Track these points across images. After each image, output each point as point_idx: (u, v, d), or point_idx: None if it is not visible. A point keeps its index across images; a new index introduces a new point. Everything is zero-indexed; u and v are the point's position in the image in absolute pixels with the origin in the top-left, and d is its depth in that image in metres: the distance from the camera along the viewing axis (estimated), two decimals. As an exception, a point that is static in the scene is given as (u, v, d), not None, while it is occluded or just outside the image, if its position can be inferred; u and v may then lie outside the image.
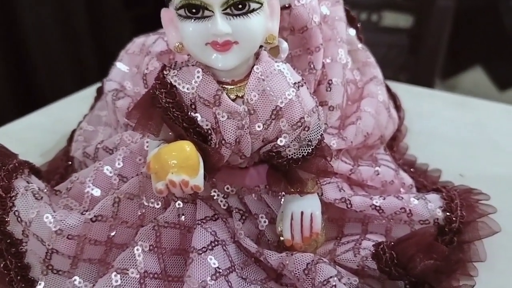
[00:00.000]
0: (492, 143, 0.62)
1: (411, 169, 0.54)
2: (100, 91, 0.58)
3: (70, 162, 0.53)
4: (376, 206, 0.42)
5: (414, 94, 0.74)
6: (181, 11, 0.35)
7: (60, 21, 1.82)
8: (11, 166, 0.41)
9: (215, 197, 0.42)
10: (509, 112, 0.70)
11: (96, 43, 2.00)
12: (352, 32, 0.53)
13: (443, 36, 1.89)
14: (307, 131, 0.39)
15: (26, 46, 1.75)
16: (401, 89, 0.66)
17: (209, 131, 0.37)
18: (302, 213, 0.40)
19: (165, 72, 0.38)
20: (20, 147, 0.49)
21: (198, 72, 0.37)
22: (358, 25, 0.54)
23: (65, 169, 0.53)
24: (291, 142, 0.39)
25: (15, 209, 0.39)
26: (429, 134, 0.64)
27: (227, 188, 0.43)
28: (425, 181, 0.51)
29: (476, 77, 2.28)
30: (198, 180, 0.35)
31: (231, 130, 0.37)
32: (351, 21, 0.53)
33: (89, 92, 0.77)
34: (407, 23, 2.23)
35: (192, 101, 0.37)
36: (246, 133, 0.38)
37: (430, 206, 0.42)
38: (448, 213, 0.42)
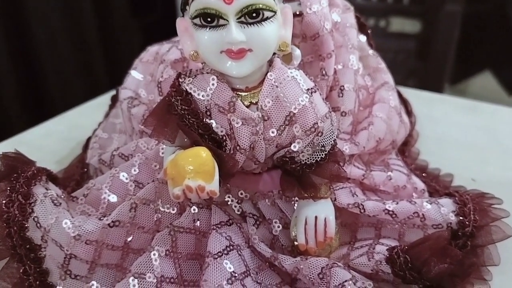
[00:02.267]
0: (503, 148, 0.62)
1: (423, 174, 0.54)
2: (114, 99, 0.59)
3: (85, 169, 0.54)
4: (389, 210, 0.43)
5: (424, 99, 0.75)
6: (197, 20, 0.36)
7: (70, 30, 1.84)
8: (29, 173, 0.42)
9: (229, 203, 0.43)
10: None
11: (106, 51, 2.03)
12: (363, 38, 0.54)
13: (452, 41, 1.89)
14: (320, 136, 0.39)
15: (37, 55, 1.77)
16: (411, 94, 0.66)
17: (224, 137, 0.38)
18: (316, 217, 0.41)
19: (180, 80, 0.39)
20: (36, 154, 0.50)
21: (213, 79, 0.38)
22: (369, 31, 0.55)
23: (80, 175, 0.54)
24: (305, 148, 0.39)
25: (34, 215, 0.40)
26: (440, 139, 0.64)
27: (241, 194, 0.43)
28: (437, 186, 0.52)
29: (486, 82, 2.27)
30: (213, 186, 0.35)
31: (246, 136, 0.38)
32: (361, 28, 0.54)
33: (102, 100, 0.78)
34: (414, 29, 2.23)
35: (207, 107, 0.38)
36: (260, 139, 0.38)
37: (443, 211, 0.43)
38: (461, 217, 0.42)
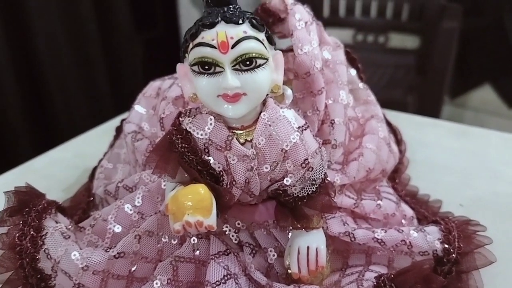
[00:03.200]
0: (492, 172, 0.65)
1: (413, 200, 0.56)
2: (118, 130, 0.62)
3: (91, 198, 0.57)
4: (378, 239, 0.45)
5: (417, 124, 0.77)
6: (195, 67, 0.39)
7: (74, 46, 1.88)
8: (40, 207, 0.45)
9: (227, 232, 0.46)
10: (509, 140, 0.73)
11: (109, 66, 2.06)
12: (353, 72, 0.57)
13: (450, 56, 1.92)
14: (311, 171, 0.42)
15: (42, 71, 1.80)
16: (404, 119, 0.69)
17: (221, 173, 0.41)
18: (308, 247, 0.43)
19: (180, 119, 0.42)
20: (44, 182, 0.53)
21: (211, 119, 0.41)
22: (359, 65, 0.57)
23: (87, 204, 0.56)
24: (297, 182, 0.42)
25: (45, 247, 0.43)
26: (431, 163, 0.66)
27: (238, 224, 0.46)
28: (426, 212, 0.54)
29: (485, 95, 2.29)
30: (211, 220, 0.38)
31: (241, 171, 0.41)
32: (352, 62, 0.57)
33: (106, 127, 0.81)
34: (413, 44, 2.26)
35: (206, 145, 0.41)
36: (255, 174, 0.41)
37: (429, 238, 0.45)
38: (446, 245, 0.45)
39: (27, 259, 0.42)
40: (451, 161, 0.67)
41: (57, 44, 1.80)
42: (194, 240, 0.44)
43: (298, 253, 0.43)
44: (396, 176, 0.59)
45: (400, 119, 0.66)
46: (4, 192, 0.45)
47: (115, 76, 2.05)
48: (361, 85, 0.57)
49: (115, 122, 0.82)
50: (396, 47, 2.35)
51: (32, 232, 0.43)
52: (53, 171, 0.69)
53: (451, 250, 0.44)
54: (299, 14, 0.50)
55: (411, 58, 2.16)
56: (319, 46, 0.50)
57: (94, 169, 0.61)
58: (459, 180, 0.63)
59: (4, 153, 1.73)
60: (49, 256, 0.42)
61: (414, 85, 2.00)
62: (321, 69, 0.49)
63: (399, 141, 0.61)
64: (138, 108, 0.56)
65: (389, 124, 0.59)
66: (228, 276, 0.42)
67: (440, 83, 1.90)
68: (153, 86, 0.58)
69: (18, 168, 0.70)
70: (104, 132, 0.79)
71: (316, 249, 0.43)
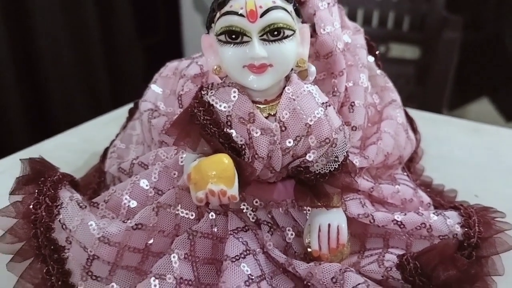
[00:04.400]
0: (505, 167, 0.64)
1: (428, 189, 0.56)
2: (132, 112, 0.61)
3: (102, 178, 0.56)
4: (397, 221, 0.45)
5: (429, 119, 0.77)
6: (222, 37, 0.38)
7: (76, 49, 1.88)
8: (55, 177, 0.44)
9: (244, 210, 0.45)
10: (520, 137, 0.73)
11: (110, 70, 2.06)
12: (371, 59, 0.57)
13: (450, 67, 1.93)
14: (334, 147, 0.41)
15: (43, 72, 1.80)
16: (415, 114, 0.68)
17: (243, 146, 0.40)
18: (329, 225, 0.43)
19: (203, 92, 0.41)
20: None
21: (234, 92, 0.40)
22: (377, 53, 0.57)
23: (97, 184, 0.55)
24: (319, 158, 0.41)
25: (61, 217, 0.42)
26: (444, 157, 0.66)
27: (256, 202, 0.45)
28: (442, 200, 0.54)
29: (483, 108, 2.31)
30: (234, 190, 0.38)
31: (264, 145, 0.40)
32: (370, 49, 0.56)
33: (114, 114, 0.81)
34: (414, 55, 2.28)
35: (228, 118, 0.40)
36: (278, 149, 0.41)
37: (449, 222, 0.45)
38: (466, 229, 0.44)
39: (42, 229, 0.41)
40: (465, 155, 0.67)
41: (58, 46, 1.80)
42: (212, 215, 0.43)
43: (319, 230, 0.43)
44: (410, 166, 0.59)
45: (412, 114, 0.66)
46: (20, 159, 0.44)
47: (116, 80, 2.05)
48: (379, 72, 0.57)
49: (117, 112, 0.81)
50: (397, 57, 2.36)
51: (47, 201, 0.42)
52: (60, 154, 0.68)
53: (472, 234, 0.44)
54: (322, -6, 0.49)
55: (411, 68, 2.18)
56: (340, 28, 0.50)
57: (106, 149, 0.60)
58: (474, 173, 0.62)
59: (4, 146, 1.71)
60: (64, 226, 0.41)
61: (413, 95, 2.01)
62: (342, 50, 0.48)
63: (414, 130, 0.61)
64: (154, 87, 0.55)
65: (405, 113, 0.59)
66: (247, 252, 0.41)
67: (439, 94, 1.91)
68: (169, 66, 0.57)
69: (25, 150, 0.69)
70: (110, 119, 0.78)
71: (337, 227, 0.43)
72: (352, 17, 2.16)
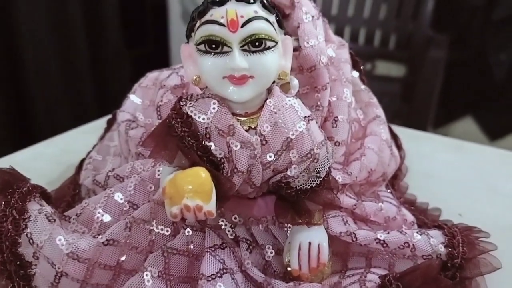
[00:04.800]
0: (489, 185, 0.64)
1: (412, 207, 0.55)
2: (110, 123, 0.60)
3: (77, 191, 0.54)
4: (380, 240, 0.43)
5: (412, 136, 0.77)
6: (201, 46, 0.37)
7: (62, 59, 1.86)
8: (24, 189, 0.42)
9: (222, 227, 0.43)
10: (503, 156, 0.73)
11: (96, 80, 2.04)
12: (356, 74, 0.56)
13: (435, 86, 1.95)
14: (316, 162, 0.40)
15: (27, 81, 1.77)
16: (399, 131, 0.68)
17: (222, 160, 0.39)
18: (309, 243, 0.41)
19: (181, 103, 0.40)
20: (26, 175, 0.49)
21: (214, 103, 0.39)
22: (361, 68, 0.57)
23: (72, 197, 0.53)
24: (301, 173, 0.40)
25: (28, 231, 0.40)
26: (428, 174, 0.65)
27: (235, 218, 0.44)
28: (426, 219, 0.53)
29: (467, 127, 2.33)
30: (211, 206, 0.36)
31: (244, 159, 0.39)
32: (354, 64, 0.56)
33: (93, 126, 0.79)
34: (399, 73, 2.30)
35: (207, 130, 0.39)
36: (258, 163, 0.39)
37: (433, 242, 0.43)
38: (450, 249, 0.43)
39: (7, 243, 0.39)
40: (447, 173, 0.66)
41: (44, 54, 1.78)
42: (188, 232, 0.41)
43: (299, 249, 0.41)
44: (394, 183, 0.58)
45: (396, 130, 0.65)
46: (-13, 170, 0.43)
47: (102, 90, 2.03)
48: (363, 87, 0.56)
49: (100, 122, 0.79)
50: (383, 75, 2.38)
51: (14, 214, 0.40)
52: (36, 165, 0.66)
53: (456, 254, 0.43)
54: (306, 7, 0.49)
55: (396, 86, 2.20)
56: (324, 42, 0.49)
57: (82, 161, 0.58)
58: (458, 192, 0.62)
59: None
60: (31, 241, 0.39)
61: (399, 113, 2.02)
62: (326, 64, 0.48)
63: (399, 147, 0.60)
64: (133, 97, 0.54)
65: (390, 129, 0.58)
66: (224, 271, 0.39)
67: (424, 111, 1.93)
68: (149, 77, 0.56)
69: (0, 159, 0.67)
70: (89, 129, 0.76)
71: (319, 245, 0.41)
72: (339, 34, 2.17)
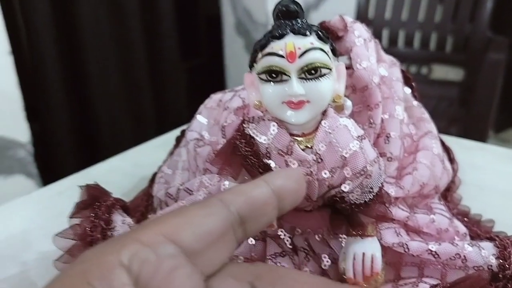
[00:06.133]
0: (545, 197, 0.64)
1: (465, 219, 0.56)
2: (178, 140, 0.65)
3: (150, 202, 0.59)
4: (432, 251, 0.46)
5: (465, 147, 0.77)
6: (263, 76, 0.41)
7: (122, 72, 1.97)
8: (109, 202, 0.48)
9: (281, 236, 0.47)
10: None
11: (155, 92, 2.14)
12: (408, 90, 0.58)
13: (495, 89, 1.89)
14: (369, 179, 0.43)
15: (91, 96, 1.89)
16: (452, 142, 0.69)
17: (281, 177, 0.43)
18: (363, 254, 0.44)
19: (244, 125, 0.44)
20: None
21: (274, 125, 0.43)
22: (413, 84, 0.59)
23: (145, 207, 0.59)
24: (354, 189, 0.43)
25: (114, 239, 0.45)
26: (482, 186, 0.66)
27: (293, 229, 0.47)
28: (479, 230, 0.54)
29: (531, 131, 2.24)
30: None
31: (301, 176, 0.42)
32: (406, 81, 0.58)
33: (160, 140, 0.85)
34: (457, 76, 2.25)
35: (268, 150, 0.43)
36: (314, 179, 0.43)
37: (484, 253, 0.45)
38: (501, 260, 0.45)
39: (97, 250, 0.45)
40: (502, 184, 0.67)
41: (107, 69, 1.90)
42: (251, 241, 0.46)
43: (354, 259, 0.44)
44: (448, 195, 0.59)
45: (448, 142, 0.67)
46: (79, 186, 0.49)
47: (160, 101, 2.12)
48: (415, 103, 0.58)
49: (168, 136, 0.86)
50: (439, 79, 2.34)
51: (102, 225, 0.46)
52: (111, 178, 0.73)
53: (507, 266, 0.44)
54: (358, 31, 0.52)
55: (454, 90, 2.15)
56: (376, 62, 0.52)
57: (154, 174, 0.64)
58: (511, 203, 0.62)
59: (53, 165, 1.80)
60: (117, 248, 0.45)
61: (457, 118, 1.97)
62: (378, 84, 0.51)
63: (451, 160, 0.62)
64: (200, 118, 0.59)
65: (442, 142, 0.60)
66: (285, 277, 0.43)
67: (484, 116, 1.87)
68: (214, 98, 0.61)
69: (78, 173, 0.75)
70: (158, 144, 0.83)
71: (372, 256, 0.44)
72: (394, 39, 2.16)
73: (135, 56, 1.98)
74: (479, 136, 1.80)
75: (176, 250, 0.25)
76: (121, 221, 0.47)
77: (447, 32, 2.08)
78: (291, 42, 0.40)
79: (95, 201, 0.48)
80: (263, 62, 0.41)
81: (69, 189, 0.51)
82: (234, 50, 2.36)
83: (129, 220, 0.47)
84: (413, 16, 2.12)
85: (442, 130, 0.63)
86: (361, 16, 2.15)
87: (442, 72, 2.30)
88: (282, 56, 0.40)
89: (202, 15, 2.52)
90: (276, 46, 0.41)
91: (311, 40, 0.41)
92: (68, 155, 1.83)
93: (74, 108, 1.81)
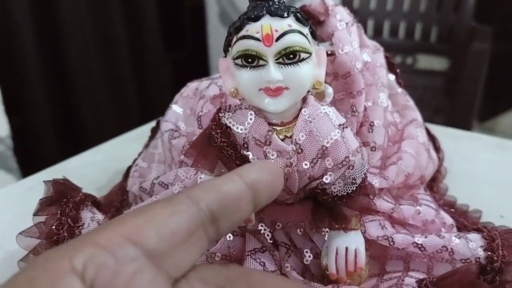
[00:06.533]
0: (533, 186, 0.62)
1: (452, 210, 0.55)
2: (154, 131, 0.63)
3: (125, 196, 0.57)
4: (418, 244, 0.44)
5: (452, 136, 0.76)
6: (238, 61, 0.39)
7: (106, 64, 1.93)
8: (77, 198, 0.45)
9: (262, 231, 0.45)
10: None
11: (139, 84, 2.11)
12: (392, 77, 0.56)
13: (479, 79, 1.89)
14: (351, 169, 0.41)
15: (73, 87, 1.86)
16: (438, 131, 0.67)
17: (260, 169, 0.40)
18: (346, 248, 0.42)
19: (220, 114, 0.42)
20: (76, 183, 0.53)
21: (251, 114, 0.40)
22: (398, 71, 0.57)
23: (120, 202, 0.56)
24: (336, 180, 0.41)
25: (82, 237, 0.43)
26: (469, 175, 0.65)
27: (273, 223, 0.45)
28: (466, 221, 0.52)
29: (515, 120, 2.25)
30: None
31: (280, 167, 0.40)
32: (390, 67, 0.56)
33: (137, 133, 0.82)
34: (442, 66, 2.24)
35: (245, 140, 0.40)
36: (294, 171, 0.41)
37: (471, 245, 0.44)
38: (489, 253, 0.43)
39: (64, 249, 0.42)
40: (489, 173, 0.65)
41: (89, 62, 1.86)
42: (229, 237, 0.43)
43: (336, 253, 0.42)
44: (433, 185, 0.58)
45: (434, 131, 0.65)
46: (43, 181, 0.46)
47: (143, 93, 2.09)
48: (399, 90, 0.56)
49: (142, 129, 0.83)
50: (424, 69, 2.33)
51: (69, 222, 0.43)
52: (85, 172, 0.70)
53: (495, 258, 0.43)
54: (340, 15, 0.50)
55: (439, 80, 2.15)
56: (359, 48, 0.50)
57: (129, 168, 0.61)
58: (498, 192, 0.61)
59: (34, 159, 1.76)
60: (85, 247, 0.42)
61: (442, 107, 1.97)
62: (361, 70, 0.48)
63: (437, 149, 0.60)
64: (175, 107, 0.56)
65: (427, 131, 0.58)
66: (264, 274, 0.41)
67: (469, 106, 1.87)
68: (190, 86, 0.58)
69: (51, 168, 0.71)
70: (133, 137, 0.80)
71: (355, 250, 0.42)
72: (379, 29, 2.14)
73: (118, 48, 1.94)
74: (464, 125, 1.80)
75: (137, 252, 0.22)
76: (90, 218, 0.44)
77: (432, 22, 2.07)
78: (267, 24, 0.38)
79: (62, 197, 0.45)
80: (238, 46, 0.39)
81: (40, 185, 0.48)
82: (218, 40, 2.32)
83: (99, 217, 0.45)
84: (398, 6, 2.11)
85: (427, 119, 0.61)
86: (346, 5, 2.13)
87: (427, 62, 2.30)
88: (258, 39, 0.38)
89: (186, 6, 2.48)
90: (251, 28, 0.38)
91: (289, 22, 0.38)
92: (50, 149, 1.79)
93: (56, 102, 1.78)
